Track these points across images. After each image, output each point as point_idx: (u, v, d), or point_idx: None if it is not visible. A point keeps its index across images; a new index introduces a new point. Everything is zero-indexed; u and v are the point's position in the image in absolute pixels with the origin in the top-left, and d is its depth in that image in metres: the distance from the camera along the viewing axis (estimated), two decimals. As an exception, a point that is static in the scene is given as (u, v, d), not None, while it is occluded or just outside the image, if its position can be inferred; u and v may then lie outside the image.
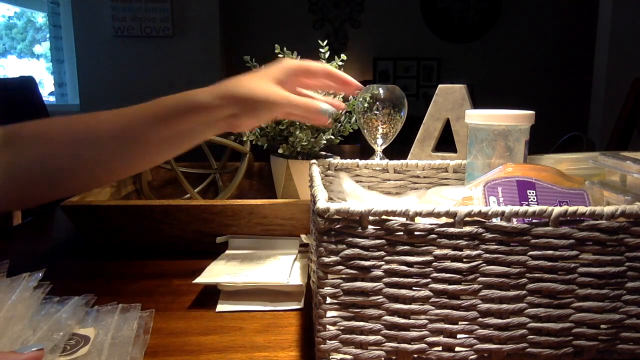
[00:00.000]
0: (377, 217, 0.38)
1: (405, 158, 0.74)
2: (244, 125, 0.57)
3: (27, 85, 1.36)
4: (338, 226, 0.39)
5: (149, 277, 0.64)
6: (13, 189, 0.52)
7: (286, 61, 0.57)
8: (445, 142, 0.86)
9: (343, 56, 0.83)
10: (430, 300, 0.40)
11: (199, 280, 0.57)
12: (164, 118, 0.54)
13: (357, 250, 0.39)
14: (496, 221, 0.38)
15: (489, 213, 0.38)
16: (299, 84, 0.59)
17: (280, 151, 0.81)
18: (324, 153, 0.87)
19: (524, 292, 0.39)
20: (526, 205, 0.43)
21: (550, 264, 0.39)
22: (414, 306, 0.40)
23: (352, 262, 0.39)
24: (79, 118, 0.54)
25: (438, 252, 0.39)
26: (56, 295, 0.52)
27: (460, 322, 0.40)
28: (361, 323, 0.40)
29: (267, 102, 0.54)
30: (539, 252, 0.39)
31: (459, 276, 0.39)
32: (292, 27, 3.96)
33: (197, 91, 0.54)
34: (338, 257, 0.39)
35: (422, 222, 0.39)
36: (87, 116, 0.55)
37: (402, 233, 0.39)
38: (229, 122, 0.56)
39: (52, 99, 3.67)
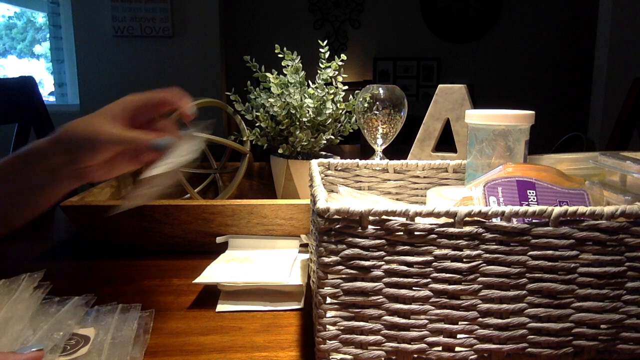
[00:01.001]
0: (377, 217, 0.38)
1: (405, 158, 0.74)
2: (93, 170, 0.54)
3: (27, 85, 1.36)
4: (338, 226, 0.39)
5: (149, 277, 0.64)
6: None
7: (127, 96, 0.55)
8: (445, 142, 0.86)
9: (343, 56, 0.83)
10: (430, 300, 0.40)
11: (199, 280, 0.57)
12: (6, 172, 0.52)
13: (357, 250, 0.39)
14: (496, 221, 0.38)
15: (489, 213, 0.38)
16: (147, 118, 0.56)
17: (280, 151, 0.81)
18: (324, 153, 0.87)
19: (524, 292, 0.39)
20: (526, 205, 0.43)
21: (550, 264, 0.39)
22: (414, 306, 0.40)
23: (352, 262, 0.39)
24: None
25: (438, 252, 0.39)
26: (56, 295, 0.52)
27: (460, 322, 0.40)
28: (361, 323, 0.40)
29: (94, 140, 0.51)
30: (539, 252, 0.39)
31: (459, 276, 0.39)
32: (292, 27, 3.96)
33: (37, 141, 0.53)
34: (338, 257, 0.39)
35: (422, 222, 0.39)
36: None
37: (402, 233, 0.39)
38: (70, 169, 0.53)
39: (52, 99, 3.67)
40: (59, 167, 0.53)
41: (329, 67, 0.83)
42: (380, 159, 0.86)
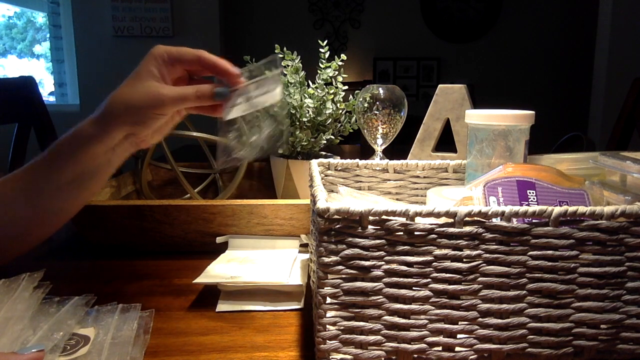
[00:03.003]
0: (377, 217, 0.38)
1: (405, 158, 0.74)
2: (147, 138, 0.54)
3: (27, 85, 1.36)
4: (338, 226, 0.39)
5: (149, 277, 0.64)
6: None
7: (155, 50, 0.53)
8: (445, 142, 0.86)
9: (343, 56, 0.83)
10: (430, 300, 0.40)
11: (199, 280, 0.57)
12: (57, 164, 0.52)
13: (357, 250, 0.39)
14: (496, 221, 0.38)
15: (489, 213, 0.38)
16: (178, 72, 0.55)
17: (280, 151, 0.81)
18: (324, 153, 0.87)
19: (524, 292, 0.39)
20: (526, 205, 0.43)
21: (550, 264, 0.39)
22: (414, 306, 0.40)
23: (352, 262, 0.39)
24: None
25: (438, 252, 0.39)
26: (56, 295, 0.52)
27: (460, 322, 0.40)
28: (361, 323, 0.40)
29: (151, 107, 0.50)
30: (539, 252, 0.39)
31: (459, 276, 0.39)
32: (292, 27, 3.96)
33: (82, 124, 0.52)
34: (338, 257, 0.39)
35: (422, 222, 0.39)
36: None
37: (402, 233, 0.39)
38: (129, 140, 0.53)
39: (52, 99, 3.67)
40: (119, 143, 0.53)
41: (329, 67, 0.83)
42: (380, 159, 0.86)
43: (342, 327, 0.40)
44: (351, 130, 0.87)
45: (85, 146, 0.52)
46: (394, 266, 0.39)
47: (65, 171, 0.52)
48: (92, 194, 0.58)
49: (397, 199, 0.68)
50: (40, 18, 3.90)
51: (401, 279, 0.39)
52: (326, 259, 0.39)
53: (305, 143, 0.80)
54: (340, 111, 0.83)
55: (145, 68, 0.52)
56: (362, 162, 0.67)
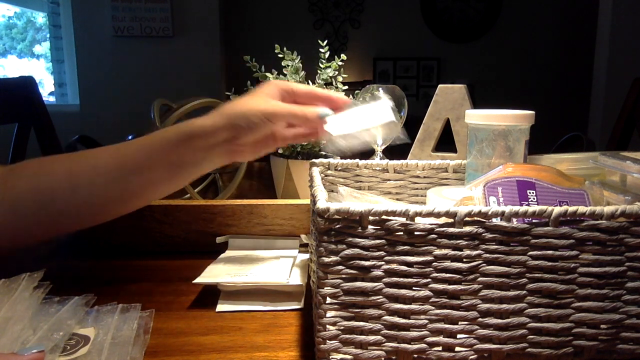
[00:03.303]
0: (377, 217, 0.38)
1: (405, 158, 0.74)
2: (245, 148, 0.57)
3: (27, 85, 1.36)
4: (338, 226, 0.39)
5: (149, 277, 0.64)
6: (8, 224, 0.52)
7: (275, 82, 0.57)
8: (445, 142, 0.86)
9: (343, 56, 0.83)
10: (430, 300, 0.40)
11: (199, 280, 0.57)
12: (160, 148, 0.54)
13: (357, 250, 0.39)
14: (496, 221, 0.38)
15: (489, 213, 0.38)
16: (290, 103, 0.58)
17: (280, 151, 0.81)
18: (324, 153, 0.87)
19: (524, 292, 0.39)
20: (526, 205, 0.43)
21: (550, 264, 0.39)
22: (414, 306, 0.40)
23: (352, 262, 0.39)
24: (79, 154, 0.55)
25: (438, 252, 0.39)
26: (56, 295, 0.52)
27: (460, 322, 0.40)
28: (361, 323, 0.40)
29: (264, 113, 0.53)
30: (539, 252, 0.39)
31: (459, 276, 0.39)
32: (292, 27, 3.96)
33: (198, 118, 0.54)
34: (338, 257, 0.39)
35: (422, 222, 0.39)
36: (87, 152, 0.56)
37: (402, 233, 0.39)
38: (229, 146, 0.55)
39: (52, 99, 3.67)
40: (219, 143, 0.54)
41: (329, 67, 0.83)
42: (380, 159, 0.86)
43: (342, 327, 0.40)
44: (351, 130, 0.87)
45: (189, 135, 0.53)
46: (394, 266, 0.39)
47: (163, 158, 0.54)
48: (175, 188, 0.59)
49: (397, 199, 0.68)
50: (40, 18, 3.90)
51: (401, 279, 0.39)
52: (326, 259, 0.39)
53: (305, 143, 0.80)
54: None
55: (265, 90, 0.56)
56: (362, 162, 0.67)
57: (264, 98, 0.55)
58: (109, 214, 0.59)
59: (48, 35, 3.65)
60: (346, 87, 0.83)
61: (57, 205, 0.54)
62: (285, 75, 0.82)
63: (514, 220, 0.39)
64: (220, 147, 0.54)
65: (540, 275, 0.39)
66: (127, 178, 0.54)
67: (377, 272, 0.39)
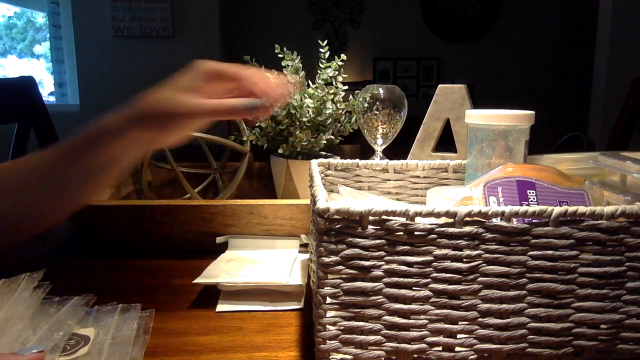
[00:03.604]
0: (377, 217, 0.38)
1: (405, 158, 0.74)
2: (164, 142, 0.54)
3: (27, 85, 1.36)
4: (338, 226, 0.39)
5: (149, 277, 0.64)
6: None
7: (197, 65, 0.53)
8: (445, 142, 0.86)
9: (343, 56, 0.83)
10: (430, 300, 0.40)
11: (199, 280, 0.57)
12: (76, 152, 0.52)
13: (357, 250, 0.39)
14: (496, 221, 0.38)
15: (489, 213, 0.38)
16: (217, 89, 0.54)
17: (280, 151, 0.81)
18: (324, 153, 0.87)
19: (524, 292, 0.39)
20: (526, 205, 0.43)
21: (550, 264, 0.39)
22: (414, 306, 0.40)
23: (352, 262, 0.39)
24: (4, 165, 0.53)
25: (438, 252, 0.39)
26: (56, 295, 0.52)
27: (460, 322, 0.40)
28: (361, 323, 0.40)
29: (177, 114, 0.50)
30: (539, 252, 0.39)
31: (459, 276, 0.39)
32: (292, 27, 3.96)
33: (106, 117, 0.51)
34: (338, 257, 0.39)
35: (422, 222, 0.39)
36: (11, 162, 0.54)
37: (402, 233, 0.39)
38: (147, 142, 0.53)
39: (52, 99, 3.67)
40: (137, 141, 0.52)
41: (329, 67, 0.83)
42: (380, 159, 0.86)
43: (342, 327, 0.40)
44: (351, 130, 0.87)
45: (104, 137, 0.51)
46: (394, 266, 0.39)
47: (81, 161, 0.52)
48: (99, 189, 0.57)
49: (397, 199, 0.68)
50: (40, 18, 3.90)
51: (401, 279, 0.39)
52: (326, 259, 0.39)
53: (305, 143, 0.80)
54: (340, 111, 0.83)
55: (181, 80, 0.52)
56: (362, 162, 0.67)
57: (177, 93, 0.51)
58: (26, 232, 0.56)
59: (48, 35, 3.65)
60: (346, 87, 0.83)
61: None
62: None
63: (514, 220, 0.39)
64: (138, 144, 0.52)
65: (540, 275, 0.39)
66: (49, 185, 0.52)
67: (377, 272, 0.39)
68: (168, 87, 0.52)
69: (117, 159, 0.53)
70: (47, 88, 3.85)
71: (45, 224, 0.56)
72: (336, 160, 0.68)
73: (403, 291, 0.39)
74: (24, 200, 0.53)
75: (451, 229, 0.38)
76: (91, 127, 0.52)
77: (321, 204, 0.39)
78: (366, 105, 0.84)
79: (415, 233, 0.39)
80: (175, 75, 0.52)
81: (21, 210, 0.53)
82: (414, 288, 0.40)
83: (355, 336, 0.40)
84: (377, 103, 0.84)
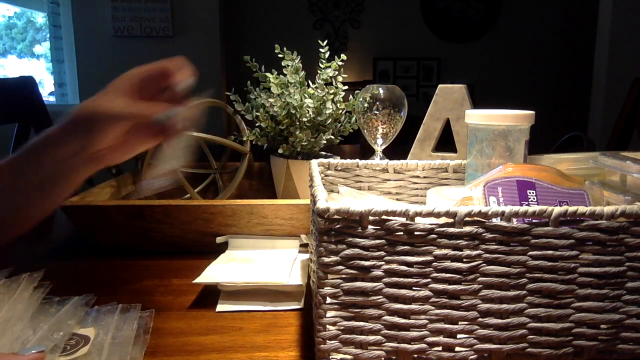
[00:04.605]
0: (377, 217, 0.38)
1: (405, 158, 0.74)
2: (105, 155, 0.53)
3: (27, 85, 1.36)
4: (338, 226, 0.39)
5: (149, 277, 0.64)
6: None
7: (132, 69, 0.53)
8: (445, 142, 0.86)
9: (343, 56, 0.83)
10: (430, 300, 0.40)
11: (199, 280, 0.57)
12: (20, 164, 0.51)
13: (357, 250, 0.39)
14: (496, 221, 0.38)
15: (489, 213, 0.38)
16: (149, 91, 0.53)
17: (280, 151, 0.81)
18: (324, 153, 0.87)
19: (524, 292, 0.39)
20: (526, 205, 0.43)
21: (550, 264, 0.39)
22: (414, 306, 0.40)
23: (352, 262, 0.39)
24: None
25: (438, 252, 0.39)
26: (56, 295, 0.52)
27: (460, 322, 0.40)
28: (361, 323, 0.40)
29: (97, 119, 0.50)
30: (539, 252, 0.39)
31: (459, 276, 0.39)
32: (292, 27, 3.96)
33: (49, 128, 0.51)
34: (338, 257, 0.39)
35: (422, 222, 0.39)
36: None
37: (402, 233, 0.39)
38: (83, 155, 0.51)
39: (52, 99, 3.67)
40: (72, 155, 0.51)
41: (329, 67, 0.83)
42: (380, 159, 0.86)
43: (342, 327, 0.40)
44: (351, 130, 0.87)
45: (49, 148, 0.51)
46: (394, 266, 0.39)
47: (33, 173, 0.52)
48: (58, 199, 0.56)
49: (397, 199, 0.68)
50: (40, 18, 3.90)
51: (401, 279, 0.39)
52: (326, 259, 0.39)
53: (305, 143, 0.80)
54: (340, 111, 0.83)
55: (115, 83, 0.52)
56: (362, 162, 0.67)
57: (105, 97, 0.51)
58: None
59: (48, 35, 3.64)
60: (346, 87, 0.83)
61: None
62: (285, 75, 0.82)
63: (514, 220, 0.39)
64: (74, 158, 0.51)
65: (540, 275, 0.39)
66: (7, 197, 0.52)
67: (377, 272, 0.39)
68: (101, 94, 0.52)
69: (58, 176, 0.52)
70: (47, 88, 3.85)
71: (4, 236, 0.55)
72: (336, 160, 0.67)
73: (403, 291, 0.39)
74: None
75: (451, 229, 0.38)
76: (37, 138, 0.52)
77: (321, 204, 0.39)
78: (366, 105, 0.84)
79: (415, 233, 0.39)
80: (111, 82, 0.52)
81: None
82: (414, 288, 0.40)
83: (355, 336, 0.40)
84: (377, 103, 0.84)
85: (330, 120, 0.82)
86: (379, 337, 0.40)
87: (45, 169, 0.52)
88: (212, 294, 0.58)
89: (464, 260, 0.39)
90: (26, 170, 0.52)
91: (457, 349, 0.40)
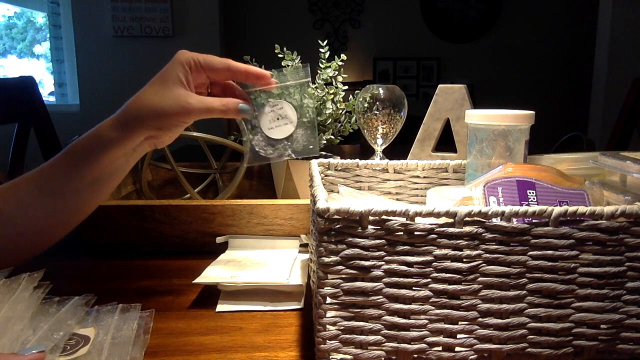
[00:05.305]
0: (377, 217, 0.38)
1: (405, 158, 0.74)
2: (165, 141, 0.56)
3: (27, 85, 1.36)
4: (338, 226, 0.39)
5: (149, 277, 0.64)
6: None
7: (182, 56, 0.53)
8: (445, 142, 0.86)
9: (343, 56, 0.83)
10: (430, 300, 0.40)
11: (199, 280, 0.57)
12: (77, 166, 0.52)
13: (357, 250, 0.39)
14: (496, 221, 0.38)
15: (489, 213, 0.38)
16: (202, 79, 0.55)
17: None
18: (324, 153, 0.87)
19: (524, 292, 0.39)
20: (526, 205, 0.43)
21: (550, 264, 0.39)
22: (414, 306, 0.40)
23: (352, 262, 0.39)
24: (3, 187, 0.53)
25: (438, 252, 0.39)
26: (56, 295, 0.52)
27: (460, 322, 0.40)
28: (361, 323, 0.40)
29: (179, 115, 0.51)
30: (539, 252, 0.39)
31: (459, 276, 0.39)
32: (292, 27, 3.96)
33: (103, 127, 0.51)
34: (338, 257, 0.39)
35: (422, 222, 0.39)
36: (8, 184, 0.54)
37: (402, 233, 0.39)
38: (148, 143, 0.54)
39: (52, 99, 3.67)
40: (139, 144, 0.53)
41: (329, 67, 0.83)
42: (380, 159, 0.86)
43: (342, 327, 0.40)
44: (351, 130, 0.87)
45: (106, 149, 0.52)
46: (394, 266, 0.39)
47: (84, 174, 0.52)
48: (107, 194, 0.58)
49: (397, 199, 0.68)
50: (40, 18, 3.90)
51: (401, 279, 0.39)
52: (326, 259, 0.39)
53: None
54: (340, 111, 0.83)
55: (172, 73, 0.52)
56: (362, 162, 0.67)
57: (175, 92, 0.51)
58: (46, 241, 0.57)
59: (48, 35, 3.65)
60: (346, 87, 0.83)
61: None
62: (285, 75, 0.82)
63: (514, 220, 0.39)
64: (140, 147, 0.54)
65: (540, 275, 0.39)
66: (51, 201, 0.53)
67: (377, 272, 0.39)
68: (158, 86, 0.52)
69: (121, 164, 0.54)
70: (47, 88, 3.85)
71: (45, 241, 0.57)
72: (336, 160, 0.68)
73: (403, 291, 0.39)
74: (15, 227, 0.53)
75: (451, 229, 0.38)
76: (81, 140, 0.52)
77: (321, 204, 0.39)
78: (366, 105, 0.84)
79: (415, 233, 0.39)
80: (163, 72, 0.53)
81: (12, 233, 0.53)
82: (414, 288, 0.40)
83: (355, 336, 0.40)
84: (377, 103, 0.84)
85: (330, 120, 0.82)
86: (379, 337, 0.40)
87: (101, 168, 0.53)
88: (212, 294, 0.58)
89: (464, 260, 0.39)
90: (82, 169, 0.52)
91: (457, 349, 0.40)
